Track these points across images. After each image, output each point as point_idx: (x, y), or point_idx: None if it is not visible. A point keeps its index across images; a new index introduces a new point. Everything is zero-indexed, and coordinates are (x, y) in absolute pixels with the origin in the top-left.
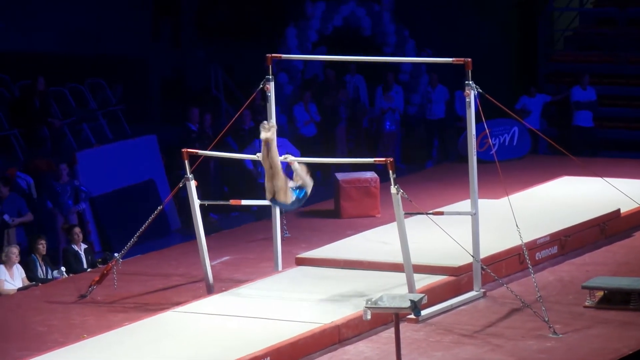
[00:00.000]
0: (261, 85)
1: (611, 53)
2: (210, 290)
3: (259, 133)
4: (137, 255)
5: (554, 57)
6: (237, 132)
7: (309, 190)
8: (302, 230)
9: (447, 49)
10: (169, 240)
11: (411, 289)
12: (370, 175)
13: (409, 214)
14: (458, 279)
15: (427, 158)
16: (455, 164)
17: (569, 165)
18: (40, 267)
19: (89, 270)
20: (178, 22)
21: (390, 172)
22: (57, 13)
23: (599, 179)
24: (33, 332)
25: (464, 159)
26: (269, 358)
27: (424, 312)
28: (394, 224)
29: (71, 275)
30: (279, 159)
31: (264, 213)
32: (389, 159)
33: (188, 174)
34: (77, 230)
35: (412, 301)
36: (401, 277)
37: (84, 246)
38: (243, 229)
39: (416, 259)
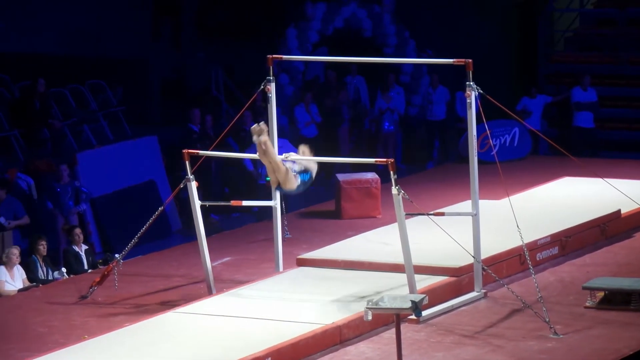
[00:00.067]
0: (262, 86)
1: (611, 54)
2: (211, 291)
3: None
4: (138, 256)
5: (554, 57)
6: (238, 133)
7: (314, 174)
8: (303, 231)
9: (447, 50)
10: (169, 241)
11: (412, 289)
12: (371, 176)
13: (410, 214)
14: (459, 280)
15: (428, 159)
16: (456, 165)
17: (569, 166)
18: (41, 268)
19: (89, 271)
20: (178, 22)
21: (392, 172)
22: (57, 13)
23: (599, 179)
24: (34, 333)
25: (464, 159)
26: (270, 359)
27: (424, 313)
28: (395, 225)
29: (72, 276)
30: (276, 155)
31: (265, 214)
32: (390, 159)
33: (189, 174)
34: (77, 231)
35: (413, 302)
36: (402, 277)
37: (84, 247)
38: (244, 230)
39: (417, 259)
